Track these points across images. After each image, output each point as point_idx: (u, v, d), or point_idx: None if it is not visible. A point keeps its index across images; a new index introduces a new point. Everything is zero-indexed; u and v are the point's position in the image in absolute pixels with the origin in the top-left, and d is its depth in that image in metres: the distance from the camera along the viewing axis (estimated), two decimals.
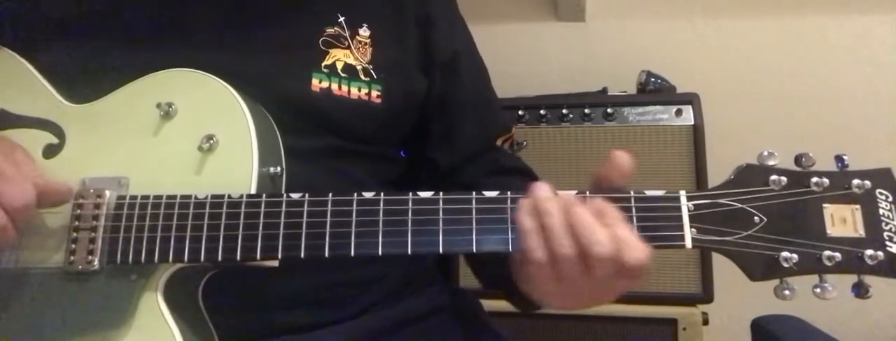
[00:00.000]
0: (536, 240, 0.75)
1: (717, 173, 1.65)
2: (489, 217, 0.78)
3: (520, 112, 1.80)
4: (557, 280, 0.77)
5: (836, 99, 2.15)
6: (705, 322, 1.66)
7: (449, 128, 1.12)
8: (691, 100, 1.75)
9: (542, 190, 0.77)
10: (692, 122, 1.73)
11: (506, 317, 1.66)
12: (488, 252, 0.79)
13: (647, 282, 1.71)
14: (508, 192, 0.80)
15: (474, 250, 0.78)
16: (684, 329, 1.65)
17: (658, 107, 1.76)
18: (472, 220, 0.78)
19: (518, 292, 0.88)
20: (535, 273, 0.78)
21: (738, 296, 1.72)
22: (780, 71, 2.19)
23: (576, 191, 0.79)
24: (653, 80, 1.86)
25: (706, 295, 1.67)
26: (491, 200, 0.79)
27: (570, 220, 0.74)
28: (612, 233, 0.73)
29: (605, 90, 1.94)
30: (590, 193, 0.79)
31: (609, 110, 1.76)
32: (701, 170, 1.69)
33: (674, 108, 1.75)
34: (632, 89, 1.91)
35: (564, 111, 1.79)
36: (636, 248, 0.73)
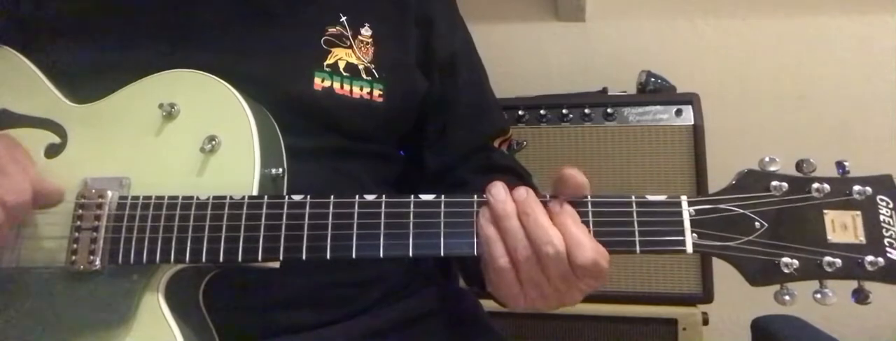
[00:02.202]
0: (500, 247, 0.76)
1: (717, 173, 1.66)
2: None
3: (520, 112, 1.81)
4: (519, 283, 0.78)
5: (836, 99, 2.15)
6: (705, 322, 1.67)
7: (443, 128, 1.13)
8: (691, 100, 1.76)
9: (496, 190, 0.78)
10: (692, 122, 1.73)
11: (506, 317, 1.68)
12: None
13: (642, 282, 1.71)
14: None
15: (475, 253, 0.78)
16: (684, 329, 1.65)
17: (658, 107, 1.76)
18: (473, 224, 0.78)
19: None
20: (497, 278, 0.79)
21: (738, 296, 1.72)
22: (780, 71, 2.19)
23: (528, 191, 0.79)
24: (653, 80, 1.86)
25: (706, 295, 1.67)
26: None
27: (523, 221, 0.75)
28: (563, 233, 0.74)
29: (605, 90, 1.94)
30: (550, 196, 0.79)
31: (609, 110, 1.77)
32: (701, 170, 1.70)
33: (674, 108, 1.75)
34: (632, 89, 1.91)
35: (564, 111, 1.79)
36: (587, 248, 0.74)
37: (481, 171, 1.10)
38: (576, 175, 0.78)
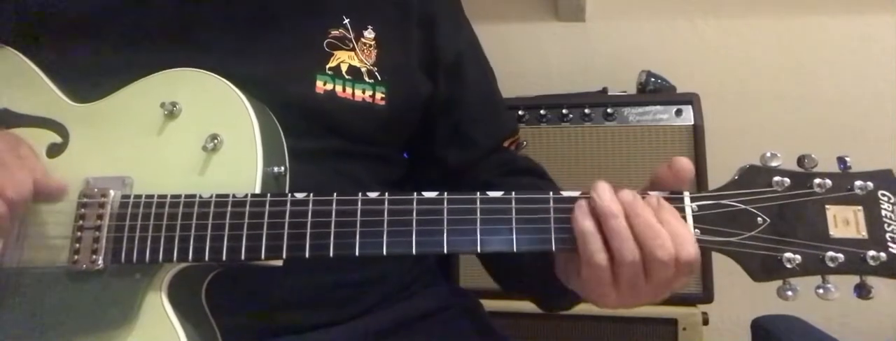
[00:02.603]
0: (597, 242, 0.75)
1: (718, 173, 1.66)
2: (494, 218, 0.78)
3: (520, 112, 1.81)
4: (616, 283, 0.77)
5: (836, 99, 2.15)
6: (705, 322, 1.66)
7: (457, 127, 1.12)
8: (691, 100, 1.75)
9: (603, 190, 0.76)
10: (692, 122, 1.73)
11: (506, 317, 1.68)
12: (492, 253, 0.78)
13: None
14: (513, 193, 0.79)
15: (478, 250, 0.77)
16: (684, 329, 1.65)
17: (658, 107, 1.76)
18: (477, 221, 0.78)
19: (556, 289, 0.88)
20: (590, 276, 0.77)
21: (738, 296, 1.73)
22: (780, 71, 2.20)
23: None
24: (653, 80, 1.86)
25: (706, 295, 1.67)
26: (495, 201, 0.79)
27: (632, 222, 0.74)
28: (669, 232, 0.74)
29: (605, 90, 1.94)
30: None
31: (609, 110, 1.77)
32: (701, 170, 1.69)
33: (674, 108, 1.75)
34: (632, 89, 1.91)
35: (564, 111, 1.79)
36: (690, 243, 0.74)
37: (503, 174, 1.10)
38: (684, 161, 0.78)
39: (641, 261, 0.74)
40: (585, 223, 0.75)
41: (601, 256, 0.75)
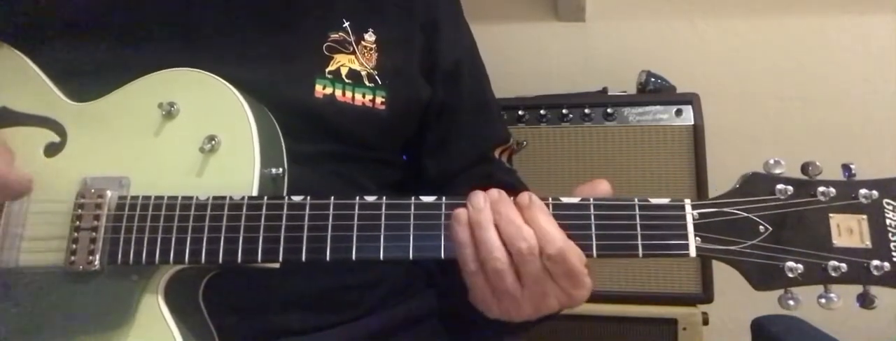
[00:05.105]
0: (469, 252, 0.76)
1: (717, 173, 1.66)
2: None
3: (520, 112, 1.80)
4: (493, 292, 0.78)
5: (836, 99, 2.15)
6: (705, 322, 1.67)
7: (444, 136, 1.12)
8: (691, 100, 1.75)
9: (477, 199, 0.77)
10: (692, 122, 1.73)
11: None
12: None
13: (644, 284, 1.71)
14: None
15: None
16: (684, 329, 1.65)
17: (658, 107, 1.76)
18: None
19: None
20: (470, 283, 0.79)
21: (738, 296, 1.71)
22: (780, 71, 2.19)
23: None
24: (653, 80, 1.86)
25: (706, 295, 1.67)
26: None
27: (495, 220, 0.76)
28: (534, 228, 0.75)
29: (605, 90, 1.94)
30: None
31: (609, 110, 1.77)
32: (701, 170, 1.69)
33: (674, 108, 1.75)
34: (632, 89, 1.91)
35: (564, 111, 1.79)
36: (556, 239, 0.74)
37: (481, 187, 1.09)
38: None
39: (511, 269, 0.75)
40: (459, 232, 0.77)
41: (472, 266, 0.76)
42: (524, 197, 0.78)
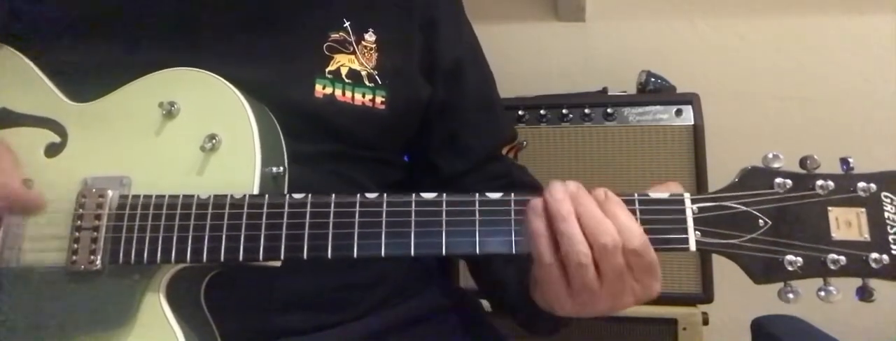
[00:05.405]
0: (546, 243, 0.75)
1: (717, 173, 1.66)
2: (492, 219, 0.78)
3: (520, 112, 1.80)
4: (569, 285, 0.77)
5: (836, 99, 2.15)
6: (705, 322, 1.66)
7: (452, 134, 1.11)
8: (691, 100, 1.75)
9: (556, 190, 0.76)
10: (692, 122, 1.72)
11: (505, 317, 1.67)
12: (491, 254, 0.78)
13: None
14: (512, 194, 0.79)
15: (477, 252, 0.77)
16: (684, 329, 1.65)
17: (658, 107, 1.75)
18: (476, 222, 0.78)
19: (533, 306, 0.88)
20: (542, 277, 0.78)
21: (738, 296, 1.71)
22: (779, 71, 2.19)
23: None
24: (653, 80, 1.86)
25: (706, 295, 1.67)
26: (494, 202, 0.79)
27: (577, 212, 0.74)
28: (614, 223, 0.74)
29: (605, 90, 1.93)
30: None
31: (609, 110, 1.76)
32: (701, 170, 1.69)
33: (674, 108, 1.75)
34: (632, 89, 1.90)
35: (564, 111, 1.78)
36: (636, 233, 0.74)
37: (502, 187, 1.09)
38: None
39: (592, 264, 0.74)
40: (536, 223, 0.76)
41: (549, 258, 0.75)
42: (600, 191, 0.77)
